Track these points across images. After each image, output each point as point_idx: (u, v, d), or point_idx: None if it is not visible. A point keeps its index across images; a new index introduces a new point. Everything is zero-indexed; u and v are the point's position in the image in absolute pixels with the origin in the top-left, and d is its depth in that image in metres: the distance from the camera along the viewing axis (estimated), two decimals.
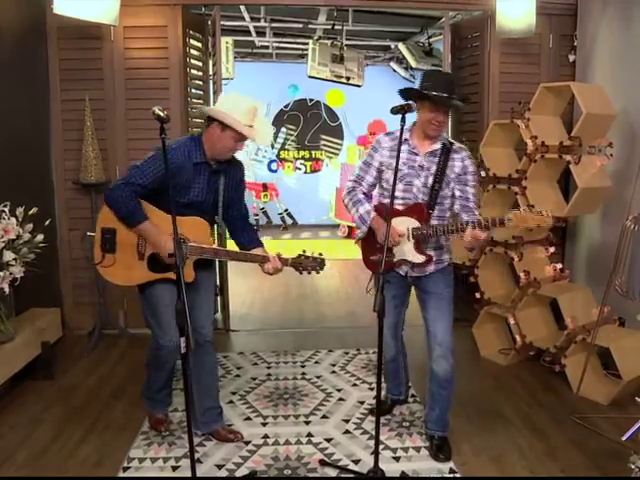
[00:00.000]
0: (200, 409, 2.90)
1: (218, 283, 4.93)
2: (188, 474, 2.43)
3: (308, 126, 10.21)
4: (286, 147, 10.37)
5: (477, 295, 4.01)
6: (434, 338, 2.75)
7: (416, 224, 2.65)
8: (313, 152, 10.32)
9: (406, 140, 2.67)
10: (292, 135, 10.32)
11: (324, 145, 10.32)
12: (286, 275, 6.20)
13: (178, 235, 2.28)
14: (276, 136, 10.32)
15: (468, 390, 3.51)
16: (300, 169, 10.40)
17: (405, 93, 2.62)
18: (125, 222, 2.64)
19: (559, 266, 3.83)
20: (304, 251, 2.76)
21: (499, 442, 2.91)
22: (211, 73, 4.78)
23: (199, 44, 4.61)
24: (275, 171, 10.42)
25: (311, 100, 10.09)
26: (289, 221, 10.24)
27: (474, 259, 4.06)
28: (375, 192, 2.90)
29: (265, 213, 10.20)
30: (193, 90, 4.58)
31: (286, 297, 5.84)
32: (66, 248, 4.47)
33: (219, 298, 4.97)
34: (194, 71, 4.55)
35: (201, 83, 4.69)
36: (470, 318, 4.24)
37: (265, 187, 10.21)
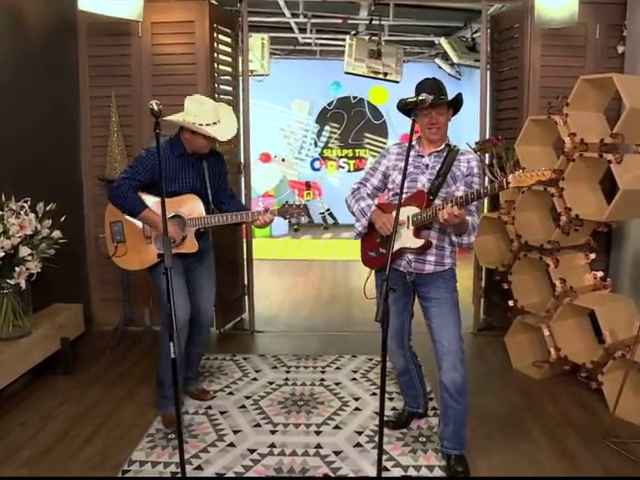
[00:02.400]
0: (181, 376, 3.16)
1: (246, 283, 4.87)
2: None
3: (351, 124, 10.05)
4: (329, 145, 10.25)
5: (510, 303, 3.76)
6: (441, 347, 2.59)
7: (416, 210, 2.57)
8: (356, 150, 10.16)
9: (413, 146, 2.69)
10: (335, 133, 10.19)
11: (368, 143, 10.14)
12: (321, 277, 6.09)
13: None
14: (319, 134, 10.22)
15: (494, 404, 3.30)
16: (343, 167, 10.25)
17: (400, 108, 2.54)
18: (129, 213, 3.01)
19: (600, 274, 3.54)
20: (287, 202, 3.13)
21: (521, 464, 2.69)
22: (243, 70, 4.69)
23: (228, 39, 4.53)
24: (318, 169, 10.32)
25: (354, 98, 9.93)
26: (330, 221, 10.11)
27: (508, 264, 3.81)
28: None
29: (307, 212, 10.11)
30: (222, 86, 4.50)
31: (317, 299, 5.71)
32: (94, 244, 4.48)
33: (246, 298, 4.89)
34: (223, 67, 4.48)
35: (230, 79, 4.61)
36: (506, 326, 3.99)
37: (308, 186, 10.11)
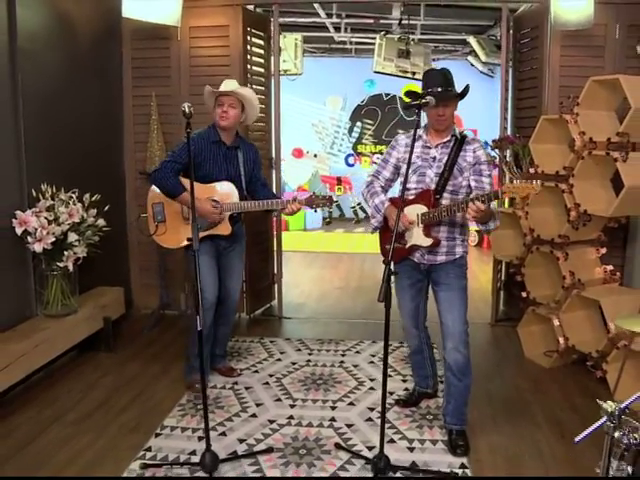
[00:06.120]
0: (207, 351, 3.42)
1: (275, 272, 5.15)
2: (212, 444, 2.62)
3: (385, 120, 10.24)
4: (363, 141, 10.46)
5: (523, 294, 3.92)
6: (446, 329, 2.80)
7: (424, 209, 2.75)
8: None
9: (420, 137, 2.85)
10: (369, 129, 10.39)
11: None
12: (349, 269, 6.35)
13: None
14: (351, 130, 10.45)
15: (502, 389, 3.48)
16: (377, 163, 10.41)
17: (411, 97, 2.76)
18: (169, 195, 3.26)
19: (609, 268, 3.66)
20: (313, 192, 3.41)
21: (520, 444, 2.87)
22: (273, 69, 4.96)
23: (261, 42, 4.80)
24: (352, 165, 10.55)
25: (387, 95, 10.13)
26: (361, 214, 10.33)
27: (521, 257, 3.97)
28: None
29: (339, 206, 10.38)
30: (255, 86, 4.77)
31: (344, 290, 5.94)
32: (134, 233, 4.82)
33: (275, 286, 5.16)
34: (255, 67, 4.75)
35: (262, 79, 4.87)
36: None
37: (339, 181, 10.35)
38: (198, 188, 3.23)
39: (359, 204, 10.28)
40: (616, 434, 1.45)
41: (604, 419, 1.47)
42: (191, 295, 3.39)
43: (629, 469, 1.52)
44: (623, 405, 1.45)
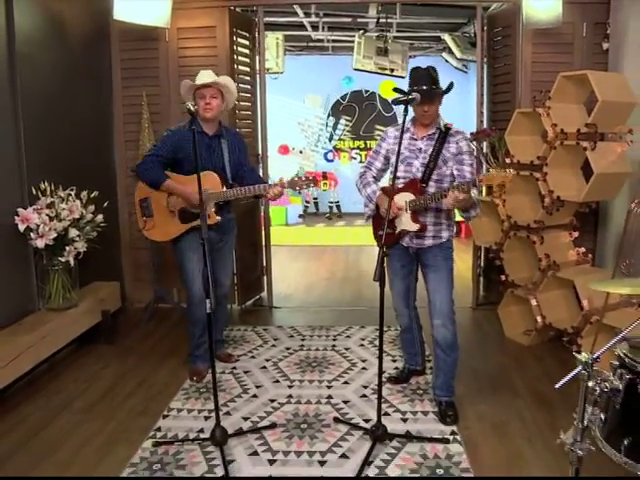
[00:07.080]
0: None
1: (264, 264, 5.33)
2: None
3: (363, 116, 10.48)
4: (342, 137, 10.68)
5: (502, 277, 4.17)
6: (434, 308, 3.03)
7: (412, 197, 2.97)
8: (368, 142, 10.57)
9: (408, 129, 3.07)
10: (348, 125, 10.62)
11: (379, 135, 10.54)
12: (334, 261, 6.54)
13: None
14: (335, 127, 10.66)
15: (486, 366, 3.72)
16: (355, 159, 10.68)
17: (397, 93, 2.93)
18: (153, 185, 3.38)
19: (582, 250, 3.93)
20: (297, 174, 3.31)
21: (504, 412, 3.11)
22: (259, 68, 5.13)
23: (246, 42, 4.96)
24: (331, 161, 10.76)
25: (366, 91, 10.35)
26: (335, 211, 10.55)
27: (500, 243, 4.22)
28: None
29: (316, 204, 10.60)
30: (241, 85, 4.94)
31: (330, 280, 6.16)
32: (127, 229, 4.97)
33: (265, 278, 5.34)
34: (241, 67, 4.91)
35: (248, 78, 5.04)
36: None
37: (325, 176, 10.53)
38: (182, 179, 3.36)
39: (337, 202, 10.51)
40: (590, 383, 1.68)
41: (579, 368, 1.70)
42: (186, 286, 3.52)
43: (602, 415, 1.75)
44: (595, 355, 1.68)
